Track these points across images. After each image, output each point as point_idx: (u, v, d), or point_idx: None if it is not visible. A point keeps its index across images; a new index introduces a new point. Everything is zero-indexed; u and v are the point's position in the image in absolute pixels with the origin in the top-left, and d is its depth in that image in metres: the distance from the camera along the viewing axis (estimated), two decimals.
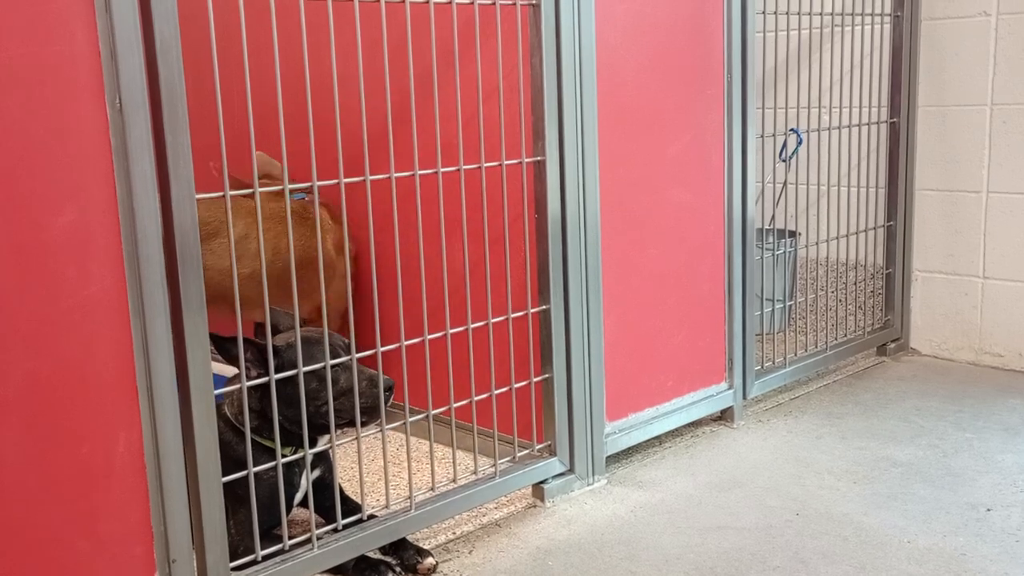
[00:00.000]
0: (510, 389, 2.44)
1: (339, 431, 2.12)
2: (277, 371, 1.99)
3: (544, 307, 2.47)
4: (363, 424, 2.11)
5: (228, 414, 2.12)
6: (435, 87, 2.18)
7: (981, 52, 3.40)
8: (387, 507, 2.22)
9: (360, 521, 2.15)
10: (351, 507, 2.23)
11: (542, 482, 2.52)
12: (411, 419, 2.21)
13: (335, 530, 2.11)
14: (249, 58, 1.86)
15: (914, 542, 2.25)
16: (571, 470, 2.56)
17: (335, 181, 2.01)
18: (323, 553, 2.04)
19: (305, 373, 2.01)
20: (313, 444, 2.13)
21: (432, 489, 2.30)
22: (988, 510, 2.40)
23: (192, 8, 1.82)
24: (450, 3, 2.20)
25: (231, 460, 2.00)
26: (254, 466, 1.94)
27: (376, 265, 2.11)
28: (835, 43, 3.65)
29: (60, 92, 1.61)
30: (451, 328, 2.28)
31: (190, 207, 1.75)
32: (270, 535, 2.07)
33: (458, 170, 2.25)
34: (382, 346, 2.14)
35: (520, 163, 2.39)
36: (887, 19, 3.50)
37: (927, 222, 3.63)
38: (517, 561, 2.23)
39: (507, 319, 2.41)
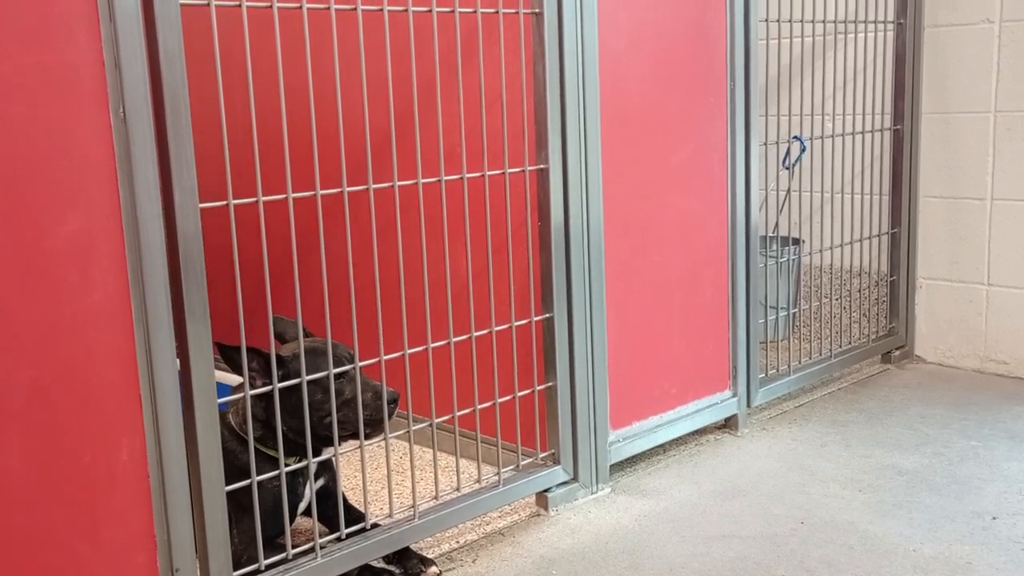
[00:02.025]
0: (513, 397, 2.44)
1: (342, 443, 2.12)
2: (282, 381, 1.99)
3: (547, 315, 2.47)
4: (367, 436, 2.10)
5: (232, 423, 2.12)
6: (438, 95, 2.19)
7: (984, 59, 3.40)
8: (390, 516, 2.21)
9: (363, 530, 2.15)
10: (354, 516, 2.22)
11: (546, 491, 2.51)
12: (414, 427, 2.21)
13: (338, 539, 2.10)
14: (252, 66, 1.87)
15: (920, 551, 2.24)
16: (575, 478, 2.56)
17: (338, 190, 2.01)
18: (326, 562, 2.03)
19: (309, 384, 2.01)
20: (317, 454, 2.12)
21: (435, 498, 2.30)
22: (994, 518, 2.39)
23: (195, 16, 1.82)
24: (453, 12, 2.20)
25: (235, 469, 2.00)
26: (258, 475, 1.93)
27: (379, 273, 2.11)
28: (838, 50, 3.65)
29: (64, 100, 1.61)
30: (454, 336, 2.27)
31: (193, 215, 1.76)
32: (273, 544, 2.06)
33: (461, 178, 2.25)
34: (385, 354, 2.14)
35: (523, 171, 2.40)
36: (890, 26, 3.50)
37: (931, 229, 3.63)
38: (521, 570, 2.22)
39: (510, 327, 2.41)
